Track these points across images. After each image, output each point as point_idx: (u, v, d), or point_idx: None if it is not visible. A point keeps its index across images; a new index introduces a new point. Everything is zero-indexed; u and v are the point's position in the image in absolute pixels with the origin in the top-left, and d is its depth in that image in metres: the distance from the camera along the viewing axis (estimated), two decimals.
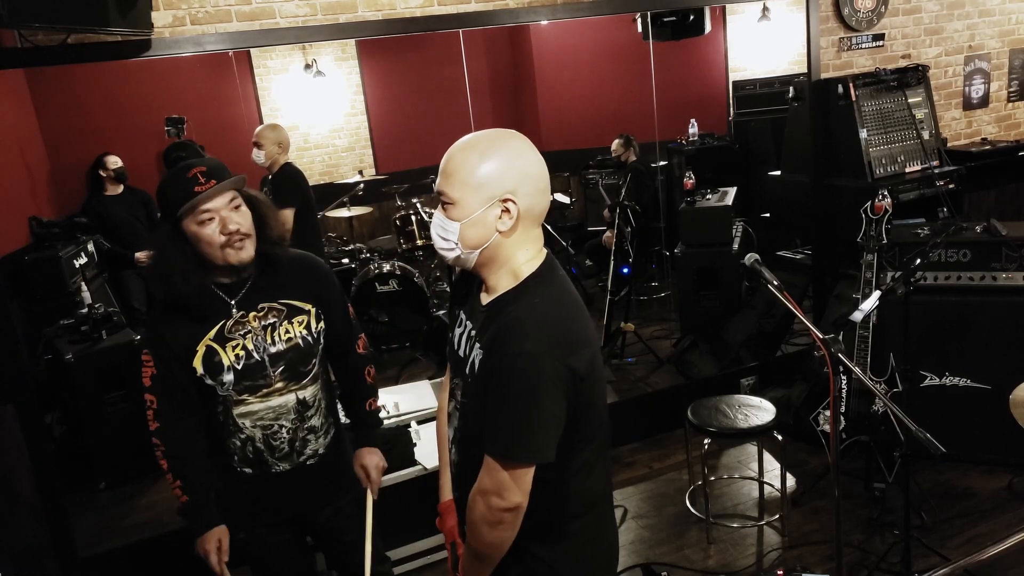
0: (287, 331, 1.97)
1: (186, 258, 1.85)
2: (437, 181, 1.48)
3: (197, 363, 1.89)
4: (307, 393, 2.01)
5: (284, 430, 1.99)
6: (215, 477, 2.01)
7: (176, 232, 1.85)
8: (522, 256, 1.49)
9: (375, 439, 2.24)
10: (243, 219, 1.87)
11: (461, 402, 1.59)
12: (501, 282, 1.50)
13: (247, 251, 1.88)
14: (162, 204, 1.86)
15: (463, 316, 1.61)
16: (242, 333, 1.93)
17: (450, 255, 1.50)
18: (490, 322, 1.48)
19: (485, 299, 1.54)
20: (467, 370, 1.54)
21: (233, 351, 1.91)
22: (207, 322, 1.91)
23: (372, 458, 2.20)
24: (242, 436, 1.97)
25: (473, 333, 1.54)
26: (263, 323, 1.95)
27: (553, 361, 1.38)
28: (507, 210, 1.44)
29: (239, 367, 1.91)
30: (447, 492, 1.75)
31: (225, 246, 1.84)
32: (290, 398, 1.99)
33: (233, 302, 1.93)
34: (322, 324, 2.04)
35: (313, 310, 2.02)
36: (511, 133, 1.49)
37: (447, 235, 1.47)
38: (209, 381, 1.91)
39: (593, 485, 1.57)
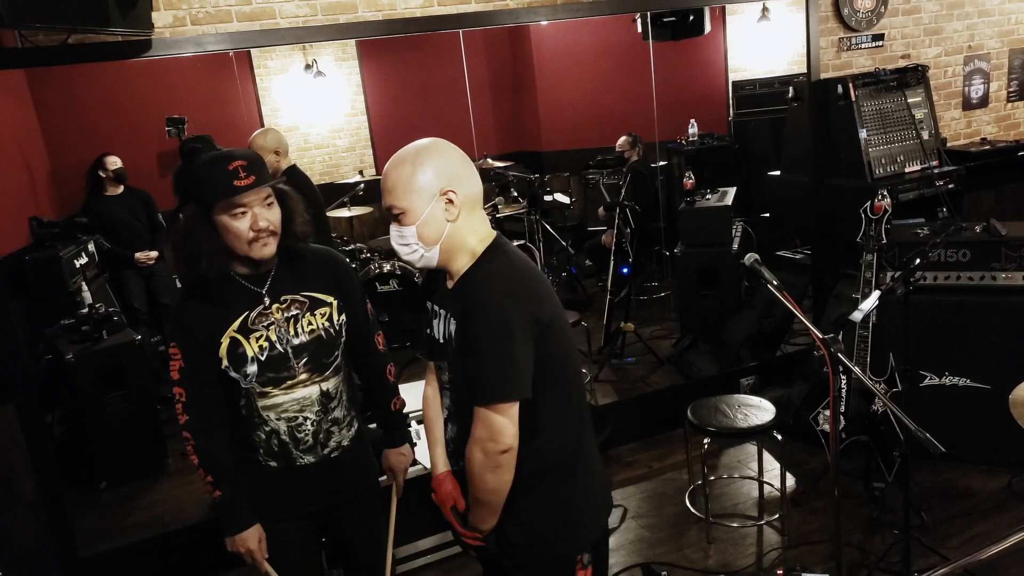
0: (310, 323, 1.99)
1: (213, 243, 1.86)
2: (383, 199, 1.67)
3: (222, 354, 1.90)
4: (330, 385, 2.03)
5: (308, 422, 2.00)
6: (240, 473, 2.02)
7: (204, 218, 1.86)
8: (473, 238, 1.68)
9: (403, 438, 2.26)
10: (273, 216, 1.89)
11: (450, 379, 1.75)
12: (462, 264, 1.69)
13: (270, 248, 1.90)
14: (194, 189, 1.87)
15: (436, 307, 1.78)
16: (265, 324, 1.94)
17: (414, 257, 1.67)
18: (459, 297, 1.66)
19: (451, 284, 1.72)
20: (449, 348, 1.70)
21: (257, 342, 1.92)
22: (232, 312, 1.92)
23: (399, 460, 2.24)
24: (267, 429, 1.98)
25: (447, 315, 1.71)
26: (286, 315, 1.97)
27: (518, 309, 1.56)
28: (451, 200, 1.64)
29: (262, 358, 1.93)
30: (439, 467, 1.86)
31: (251, 241, 1.86)
32: (314, 390, 2.00)
33: (263, 291, 1.95)
34: (343, 317, 2.05)
35: (335, 303, 2.04)
36: (430, 140, 1.69)
37: (406, 240, 1.66)
38: (233, 373, 1.92)
39: (569, 430, 1.72)
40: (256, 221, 1.85)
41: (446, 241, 1.66)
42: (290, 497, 2.05)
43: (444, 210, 1.63)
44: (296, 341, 1.96)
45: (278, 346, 1.94)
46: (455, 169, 1.65)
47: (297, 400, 1.98)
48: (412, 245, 1.65)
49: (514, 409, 1.57)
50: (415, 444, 3.23)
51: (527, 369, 1.57)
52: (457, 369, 1.69)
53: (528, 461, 1.64)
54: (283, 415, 1.98)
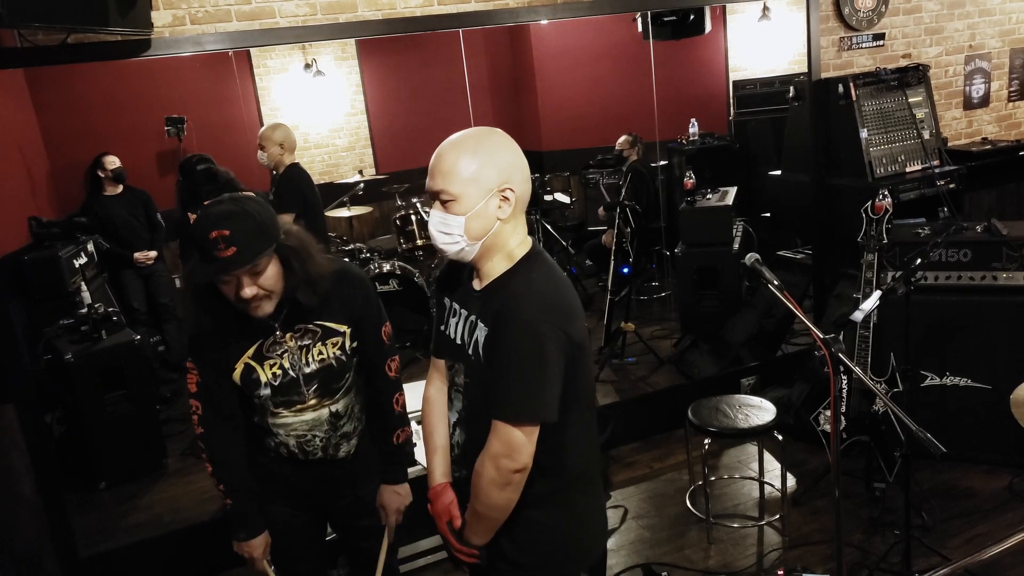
0: (320, 352, 1.97)
1: (212, 291, 1.82)
2: (431, 181, 1.55)
3: (236, 377, 1.92)
4: (339, 406, 2.03)
5: (317, 439, 2.02)
6: (252, 464, 2.06)
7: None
8: (514, 241, 1.60)
9: (400, 476, 2.16)
10: (265, 281, 1.79)
11: (465, 383, 1.67)
12: (496, 267, 1.61)
13: (263, 309, 1.83)
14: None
15: (456, 306, 1.70)
16: (279, 352, 1.94)
17: (453, 248, 1.57)
18: (489, 302, 1.58)
19: (479, 284, 1.64)
20: (469, 351, 1.63)
21: (270, 369, 1.93)
22: (245, 340, 1.91)
23: (393, 499, 2.14)
24: (277, 440, 2.01)
25: (473, 318, 1.62)
26: (299, 343, 1.95)
27: (553, 328, 1.50)
28: (506, 198, 1.55)
29: (275, 384, 1.94)
30: (437, 476, 1.78)
31: (240, 304, 1.80)
32: (323, 412, 2.01)
33: (276, 324, 1.92)
34: (356, 343, 2.02)
35: (348, 331, 2.00)
36: (492, 130, 1.60)
37: (451, 230, 1.55)
38: (246, 392, 1.95)
39: (587, 453, 1.69)
40: (240, 290, 1.76)
41: (490, 239, 1.56)
42: (297, 488, 2.09)
43: (498, 207, 1.54)
44: (308, 369, 1.96)
45: (291, 372, 1.95)
46: (515, 166, 1.56)
47: (307, 421, 2.00)
48: (455, 236, 1.54)
49: (536, 430, 1.52)
50: (415, 444, 3.24)
51: (556, 391, 1.51)
52: (477, 376, 1.61)
53: (535, 481, 1.58)
54: (292, 432, 2.00)
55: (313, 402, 1.98)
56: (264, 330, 1.92)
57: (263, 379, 1.92)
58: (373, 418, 2.15)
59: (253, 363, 1.92)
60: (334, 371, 1.98)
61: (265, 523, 2.07)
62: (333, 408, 2.01)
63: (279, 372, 1.93)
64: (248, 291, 1.76)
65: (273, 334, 1.92)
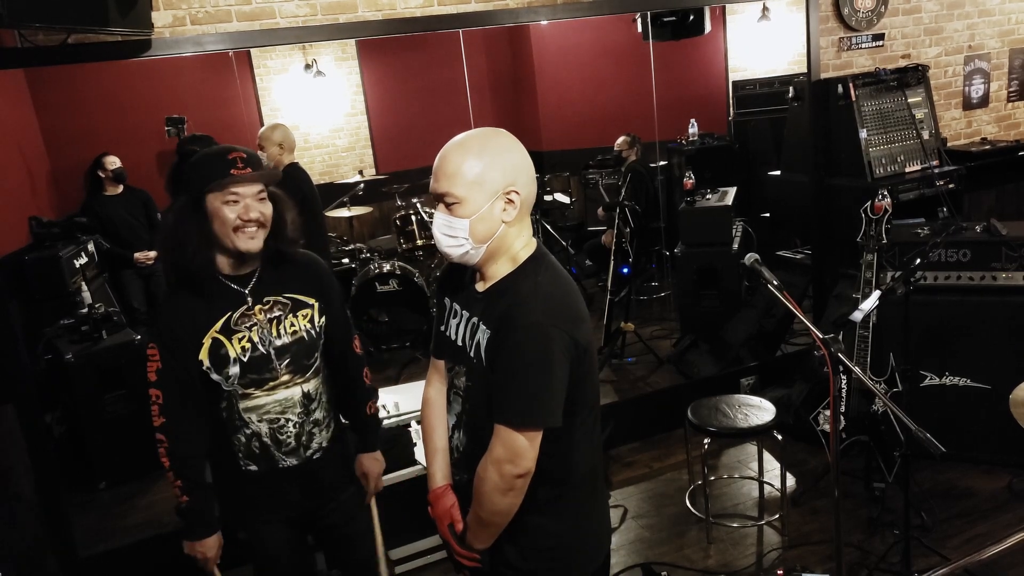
0: (292, 324, 1.99)
1: (202, 232, 1.87)
2: (436, 183, 1.53)
3: (203, 356, 1.90)
4: (311, 386, 2.03)
5: (291, 423, 2.00)
6: (214, 481, 2.03)
7: (195, 207, 1.87)
8: (519, 243, 1.59)
9: (375, 443, 2.26)
10: (265, 209, 1.91)
11: (466, 386, 1.64)
12: (500, 269, 1.58)
13: (257, 242, 1.90)
14: (189, 177, 1.89)
15: (457, 307, 1.68)
16: (248, 326, 1.94)
17: (458, 251, 1.55)
18: (494, 305, 1.55)
19: (482, 287, 1.61)
20: (471, 354, 1.60)
21: (239, 343, 1.92)
22: (214, 313, 1.91)
23: (373, 465, 2.24)
24: (248, 432, 1.98)
25: (475, 320, 1.60)
26: (268, 316, 1.97)
27: (560, 332, 1.48)
28: (511, 201, 1.53)
29: (245, 359, 1.93)
30: (438, 479, 1.76)
31: (238, 230, 1.87)
32: (295, 391, 2.00)
33: (247, 291, 1.95)
34: (324, 319, 2.06)
35: (317, 304, 2.05)
36: (497, 130, 1.59)
37: (455, 232, 1.52)
38: (215, 376, 1.92)
39: (591, 457, 1.66)
40: (247, 211, 1.86)
41: (495, 242, 1.54)
42: (271, 500, 2.06)
43: (503, 210, 1.53)
44: (279, 343, 1.96)
45: (260, 347, 1.94)
46: (521, 168, 1.55)
47: (279, 402, 1.98)
48: (460, 239, 1.52)
49: (539, 435, 1.49)
50: (415, 444, 3.25)
51: (561, 396, 1.49)
52: (478, 379, 1.59)
53: (539, 487, 1.56)
54: (265, 417, 1.98)
55: (286, 378, 1.98)
56: (233, 301, 1.94)
57: (232, 354, 1.91)
58: (345, 396, 2.19)
59: (221, 337, 1.91)
60: (305, 344, 2.00)
61: (237, 535, 2.07)
62: (305, 388, 2.01)
63: (248, 346, 1.93)
64: (254, 212, 1.87)
65: (245, 302, 1.94)
